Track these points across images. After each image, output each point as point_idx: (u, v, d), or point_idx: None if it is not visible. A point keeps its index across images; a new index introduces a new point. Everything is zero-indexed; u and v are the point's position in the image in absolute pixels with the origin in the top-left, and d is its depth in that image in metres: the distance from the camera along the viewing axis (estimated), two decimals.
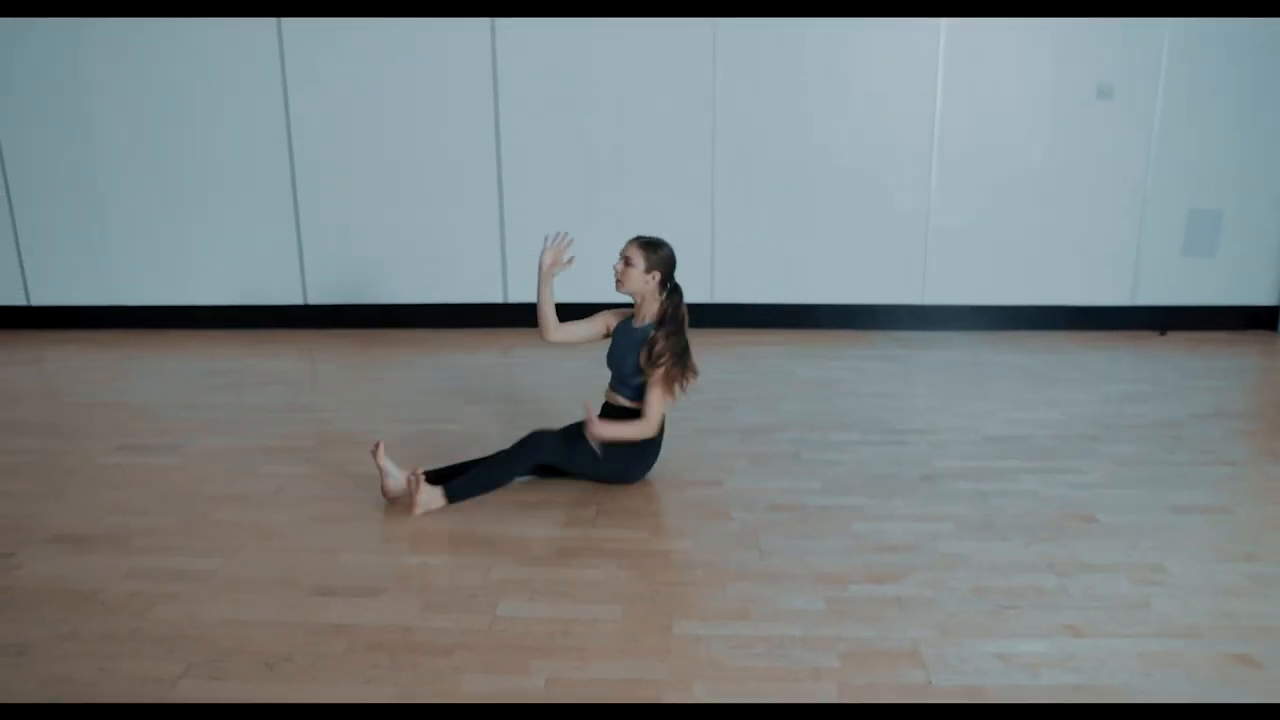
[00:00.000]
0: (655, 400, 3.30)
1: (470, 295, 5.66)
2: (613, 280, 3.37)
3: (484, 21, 5.22)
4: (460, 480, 3.20)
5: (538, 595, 2.65)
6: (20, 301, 5.82)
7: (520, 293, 5.53)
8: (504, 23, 5.22)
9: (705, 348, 5.27)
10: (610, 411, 3.42)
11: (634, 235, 3.39)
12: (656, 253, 3.32)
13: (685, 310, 3.39)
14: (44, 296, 5.81)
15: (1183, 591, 2.62)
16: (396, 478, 3.22)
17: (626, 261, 3.31)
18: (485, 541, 2.98)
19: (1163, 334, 5.50)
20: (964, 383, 4.58)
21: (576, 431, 3.28)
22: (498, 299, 5.63)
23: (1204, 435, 3.85)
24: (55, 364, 5.16)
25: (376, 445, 3.22)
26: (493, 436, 3.82)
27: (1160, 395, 4.40)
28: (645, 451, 3.36)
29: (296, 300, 5.73)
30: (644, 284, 3.31)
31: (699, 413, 4.14)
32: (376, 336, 5.62)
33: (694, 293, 5.54)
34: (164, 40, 5.35)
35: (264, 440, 3.90)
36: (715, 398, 4.35)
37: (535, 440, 3.23)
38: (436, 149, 5.45)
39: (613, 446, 3.25)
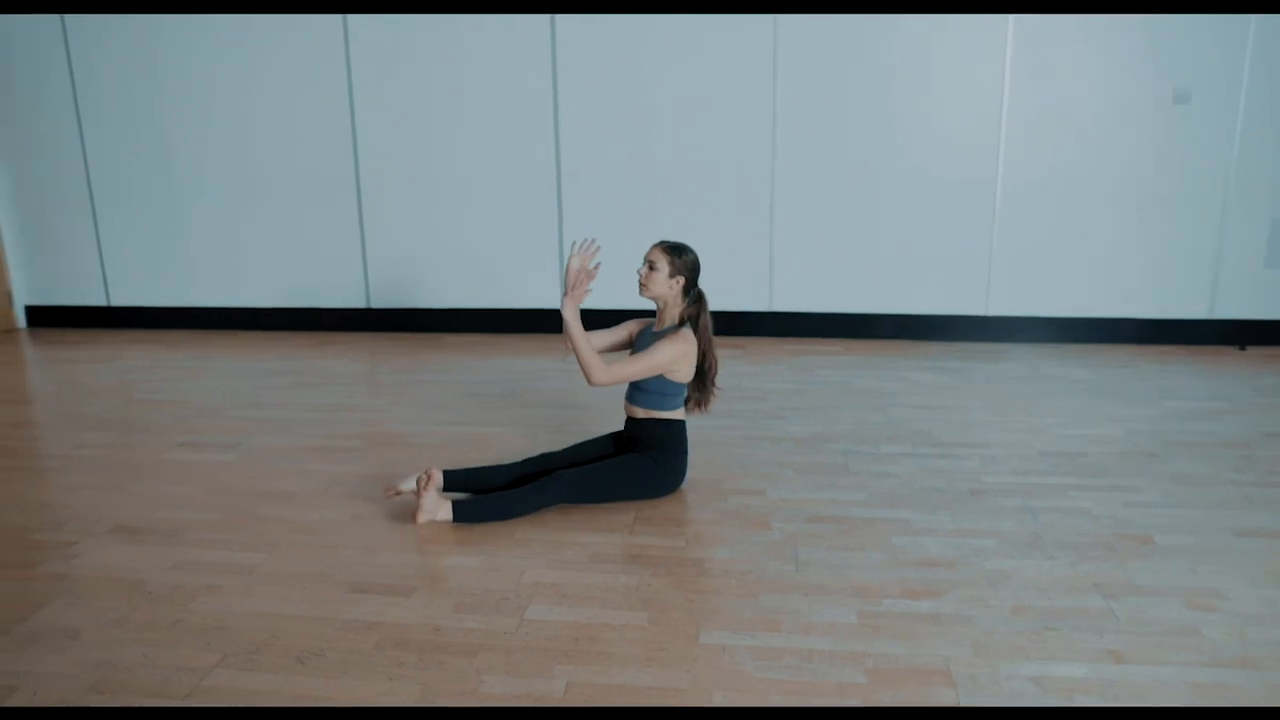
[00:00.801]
0: (634, 360, 3.17)
1: (528, 301, 5.71)
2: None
3: (544, 26, 5.28)
4: (472, 502, 3.16)
5: (567, 600, 2.65)
6: (101, 302, 6.08)
7: None
8: (564, 26, 5.26)
9: (762, 356, 5.27)
10: (629, 425, 3.39)
11: (659, 240, 3.34)
12: (681, 257, 3.23)
13: (709, 320, 3.29)
14: (123, 297, 6.06)
15: (1240, 619, 2.49)
16: (411, 484, 3.25)
17: (650, 265, 3.23)
18: (521, 545, 3.00)
19: (1242, 349, 5.26)
20: (1022, 397, 4.44)
21: (591, 461, 3.27)
22: (555, 305, 5.66)
23: (1276, 455, 3.66)
24: (130, 362, 5.37)
25: (428, 476, 3.19)
26: (538, 442, 3.86)
27: (1233, 413, 4.20)
28: (662, 470, 3.29)
29: (359, 304, 5.86)
30: (667, 289, 3.23)
31: (751, 421, 4.11)
32: (435, 340, 5.71)
33: (752, 300, 5.54)
34: (234, 46, 5.54)
35: (315, 440, 3.99)
36: (769, 406, 4.31)
37: (554, 485, 3.18)
38: (497, 154, 5.52)
39: (628, 472, 3.24)
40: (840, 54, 5.14)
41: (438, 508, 3.14)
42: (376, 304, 5.85)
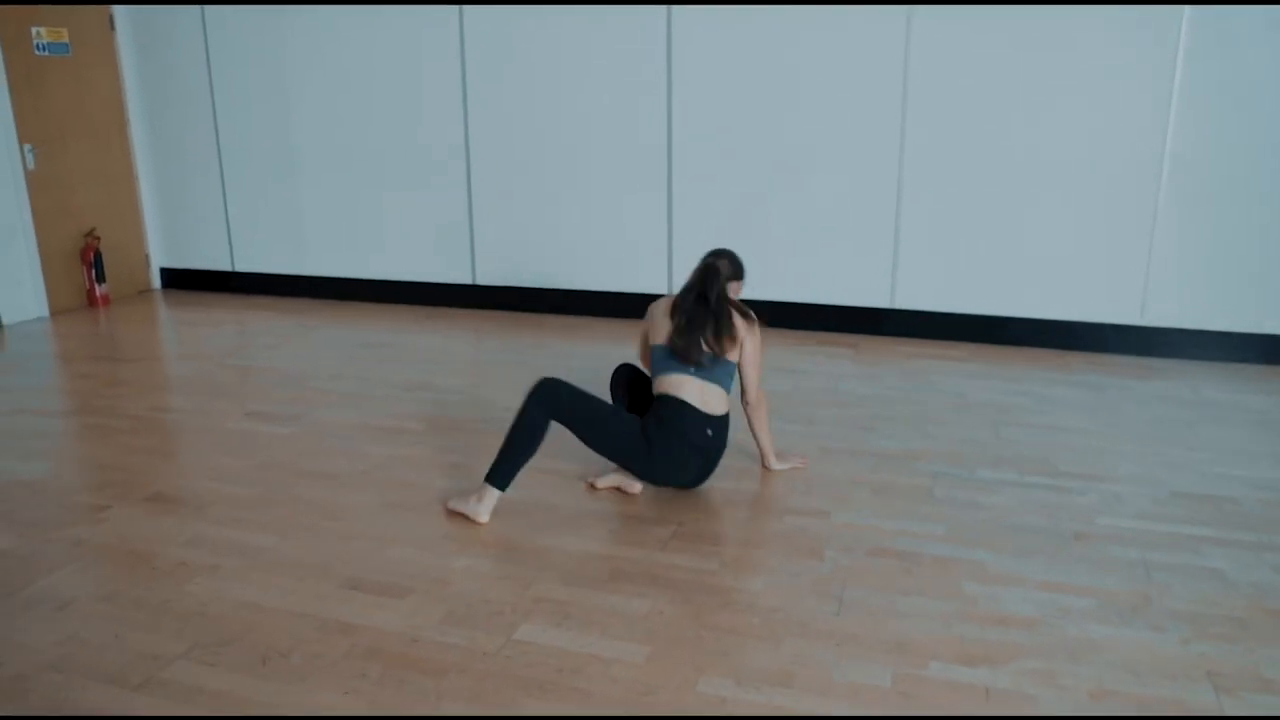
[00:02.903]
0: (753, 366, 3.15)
1: (633, 285, 5.43)
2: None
3: (660, 9, 4.95)
4: (494, 462, 2.95)
5: (567, 621, 2.36)
6: (227, 267, 6.26)
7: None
8: (680, 9, 4.92)
9: (874, 357, 4.77)
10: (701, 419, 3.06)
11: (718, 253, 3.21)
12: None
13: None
14: (246, 263, 6.21)
15: None
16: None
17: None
18: (540, 552, 2.73)
19: None
20: (1171, 423, 3.77)
21: (591, 406, 2.96)
22: (661, 290, 5.35)
23: None
24: (237, 327, 5.47)
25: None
26: None
27: None
28: (654, 453, 2.95)
29: (465, 280, 5.76)
30: None
31: (835, 430, 3.67)
32: (536, 321, 5.51)
33: (872, 295, 5.04)
34: (356, 29, 5.52)
35: (381, 418, 3.87)
36: (860, 414, 3.85)
37: (545, 390, 2.92)
38: (606, 135, 5.25)
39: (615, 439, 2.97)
40: (979, 39, 4.54)
41: (483, 497, 2.94)
42: (482, 281, 5.72)
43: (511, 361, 4.63)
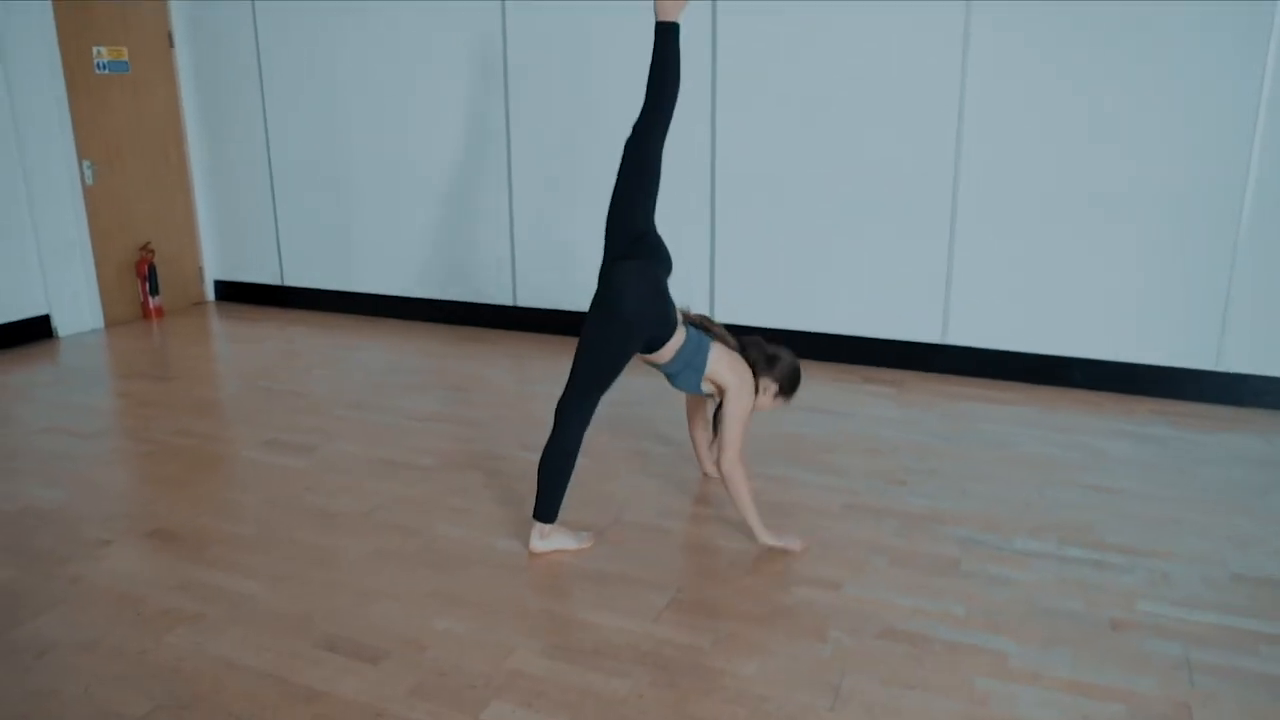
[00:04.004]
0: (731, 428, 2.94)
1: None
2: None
3: (706, 45, 4.77)
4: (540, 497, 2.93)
5: (537, 702, 2.22)
6: (276, 281, 6.31)
7: (728, 313, 5.06)
8: (724, 36, 4.73)
9: (917, 397, 4.50)
10: None
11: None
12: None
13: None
14: (295, 278, 6.25)
15: None
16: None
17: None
18: (526, 615, 2.60)
19: None
20: (1239, 487, 3.44)
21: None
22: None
23: None
24: (277, 344, 5.48)
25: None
26: (619, 471, 3.43)
27: None
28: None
29: (507, 301, 5.67)
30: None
31: (863, 483, 3.45)
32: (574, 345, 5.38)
33: (922, 329, 4.77)
34: (399, 46, 5.49)
35: (393, 452, 3.79)
36: (890, 465, 3.62)
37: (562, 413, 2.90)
38: None
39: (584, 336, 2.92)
40: (1040, 54, 4.24)
41: (542, 534, 2.95)
42: (523, 302, 5.63)
43: (541, 394, 4.48)
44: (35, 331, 5.51)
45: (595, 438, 3.86)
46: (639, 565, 2.87)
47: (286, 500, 3.35)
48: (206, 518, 3.23)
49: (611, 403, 4.20)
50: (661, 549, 2.98)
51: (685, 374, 2.97)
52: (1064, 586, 2.73)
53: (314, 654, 2.42)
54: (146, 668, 2.37)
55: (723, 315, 5.11)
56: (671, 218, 5.07)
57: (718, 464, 2.94)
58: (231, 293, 6.52)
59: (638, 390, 4.41)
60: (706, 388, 2.99)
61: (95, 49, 5.65)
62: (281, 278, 6.29)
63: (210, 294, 6.58)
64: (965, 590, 2.72)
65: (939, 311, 4.73)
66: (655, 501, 3.32)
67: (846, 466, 3.61)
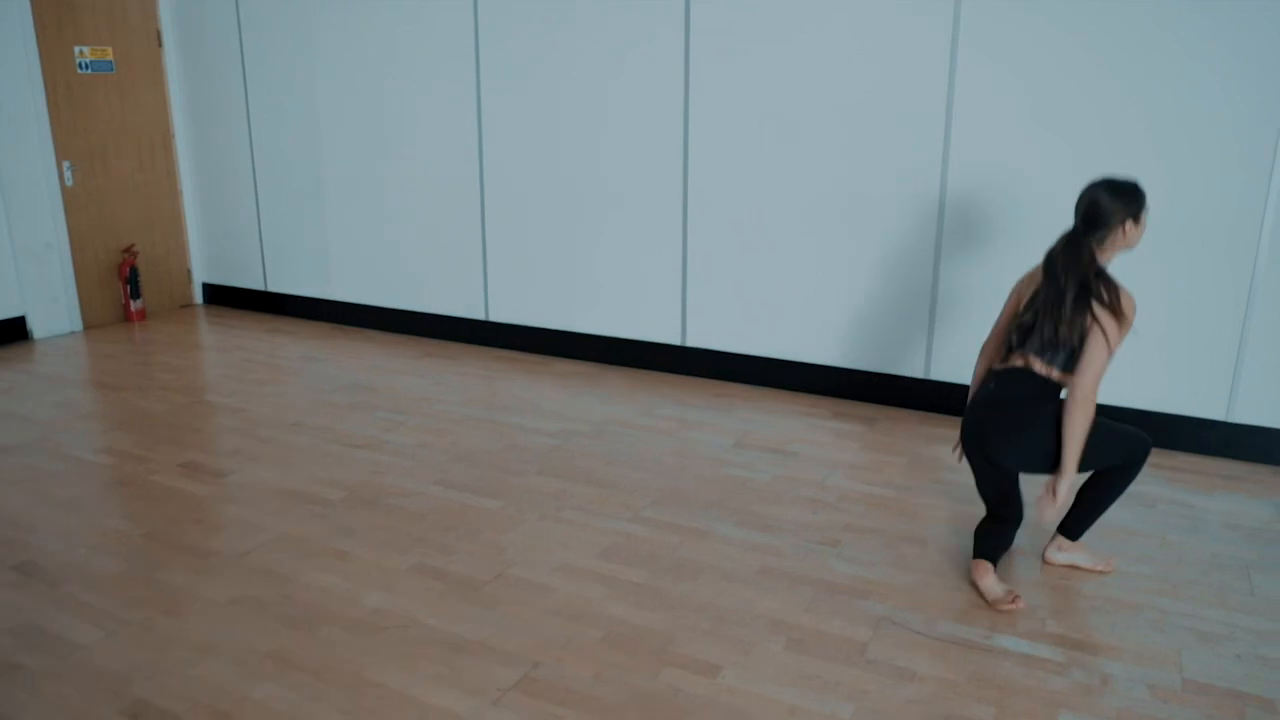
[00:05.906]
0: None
1: (639, 332, 4.95)
2: None
3: (679, 60, 4.45)
4: (1078, 513, 2.92)
5: None
6: (260, 286, 6.20)
7: (697, 337, 4.75)
8: (697, 54, 4.41)
9: (892, 439, 3.96)
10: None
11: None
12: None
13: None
14: (278, 284, 6.13)
15: None
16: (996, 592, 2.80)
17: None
18: (356, 689, 2.35)
19: None
20: (1222, 565, 2.99)
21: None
22: (673, 339, 4.86)
23: None
24: (244, 354, 5.34)
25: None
26: (526, 516, 3.14)
27: None
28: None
29: (479, 315, 5.44)
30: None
31: (790, 543, 3.10)
32: (542, 365, 5.11)
33: (906, 364, 4.38)
34: (379, 47, 5.29)
35: (306, 483, 3.58)
36: (833, 522, 3.26)
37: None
38: (625, 170, 4.80)
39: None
40: (1026, 67, 3.81)
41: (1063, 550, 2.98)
42: (495, 317, 5.40)
43: (487, 420, 4.19)
44: (11, 333, 5.47)
45: (516, 476, 3.58)
46: (503, 632, 2.59)
47: (168, 534, 3.17)
48: (81, 550, 3.06)
49: (546, 433, 3.93)
50: (536, 613, 2.69)
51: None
52: (978, 688, 2.36)
53: None
54: None
55: (693, 335, 4.80)
56: (644, 235, 4.77)
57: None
58: (220, 296, 6.44)
59: (572, 418, 4.11)
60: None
61: (77, 49, 5.59)
62: (265, 283, 6.17)
63: (199, 297, 6.51)
64: (861, 685, 2.37)
65: (923, 345, 4.33)
66: (554, 554, 3.03)
67: (779, 520, 3.27)
